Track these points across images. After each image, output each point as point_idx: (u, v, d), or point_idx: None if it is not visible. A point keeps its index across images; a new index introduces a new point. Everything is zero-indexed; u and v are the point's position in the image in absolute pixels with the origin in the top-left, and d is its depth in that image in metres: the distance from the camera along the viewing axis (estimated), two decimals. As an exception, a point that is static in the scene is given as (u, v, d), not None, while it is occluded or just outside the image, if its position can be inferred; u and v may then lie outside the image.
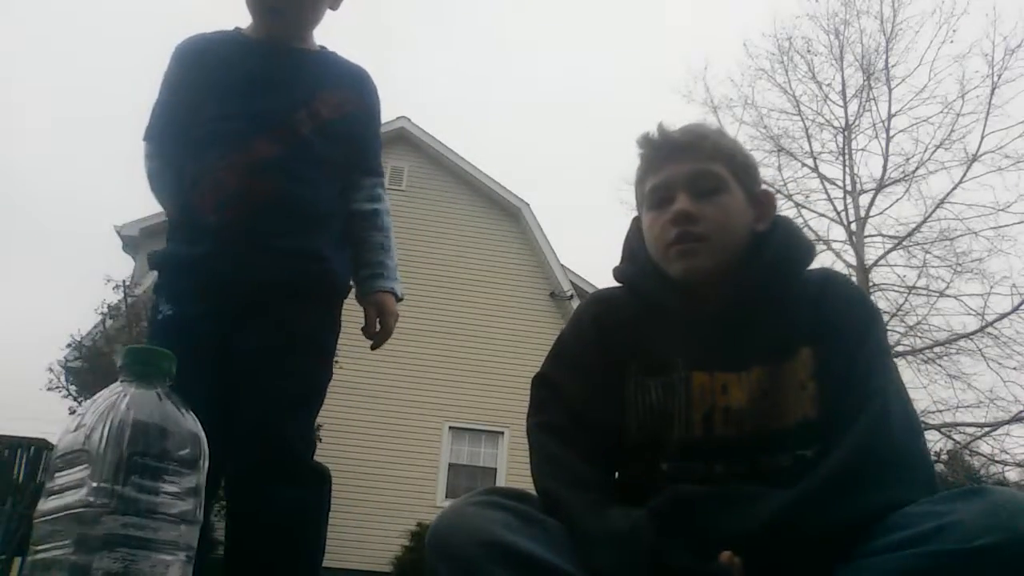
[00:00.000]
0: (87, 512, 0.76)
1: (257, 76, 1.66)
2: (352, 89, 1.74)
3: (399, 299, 1.74)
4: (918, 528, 0.93)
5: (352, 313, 1.76)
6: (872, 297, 12.26)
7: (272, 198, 1.57)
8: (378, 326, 1.70)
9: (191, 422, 0.84)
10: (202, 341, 1.52)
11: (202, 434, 0.84)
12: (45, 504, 0.80)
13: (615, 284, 1.33)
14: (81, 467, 0.78)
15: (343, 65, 1.78)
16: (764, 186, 1.31)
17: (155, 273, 1.67)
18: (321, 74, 1.72)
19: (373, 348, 1.73)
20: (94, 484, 0.76)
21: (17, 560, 8.13)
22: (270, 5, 1.66)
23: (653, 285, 1.25)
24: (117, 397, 0.81)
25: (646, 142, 1.27)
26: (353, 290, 1.75)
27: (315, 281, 1.62)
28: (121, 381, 0.84)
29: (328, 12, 1.75)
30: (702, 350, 1.19)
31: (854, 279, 12.42)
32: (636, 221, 1.33)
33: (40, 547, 0.79)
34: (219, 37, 1.73)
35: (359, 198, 1.74)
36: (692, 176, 1.21)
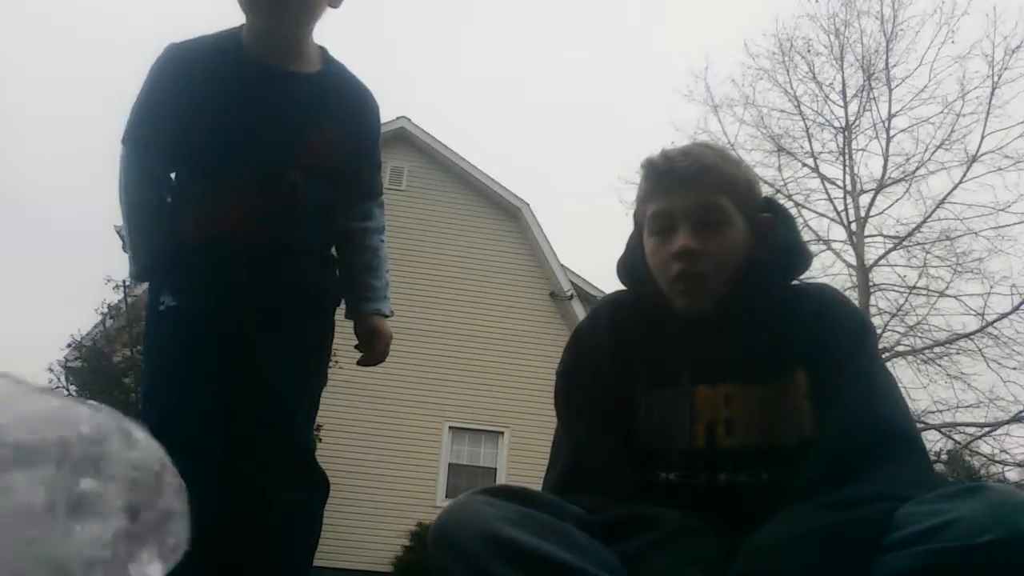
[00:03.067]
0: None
1: (250, 112, 1.58)
2: (349, 120, 1.67)
3: (387, 316, 1.74)
4: (918, 526, 0.93)
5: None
6: (872, 300, 12.30)
7: (267, 245, 1.57)
8: (367, 348, 1.72)
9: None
10: (208, 338, 1.50)
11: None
12: None
13: (621, 287, 1.36)
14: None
15: (342, 89, 1.68)
16: (763, 213, 1.30)
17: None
18: (318, 108, 1.62)
19: (360, 364, 1.73)
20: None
21: (17, 560, 8.13)
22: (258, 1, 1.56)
23: (657, 300, 1.27)
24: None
25: (650, 168, 1.27)
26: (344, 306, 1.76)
27: (325, 288, 1.66)
28: None
29: (328, 10, 1.68)
30: (705, 361, 1.21)
31: (854, 279, 12.48)
32: (637, 233, 1.33)
33: None
34: (214, 47, 1.61)
35: (350, 216, 1.72)
36: (695, 209, 1.22)
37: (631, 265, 1.33)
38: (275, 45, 1.61)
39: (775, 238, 1.27)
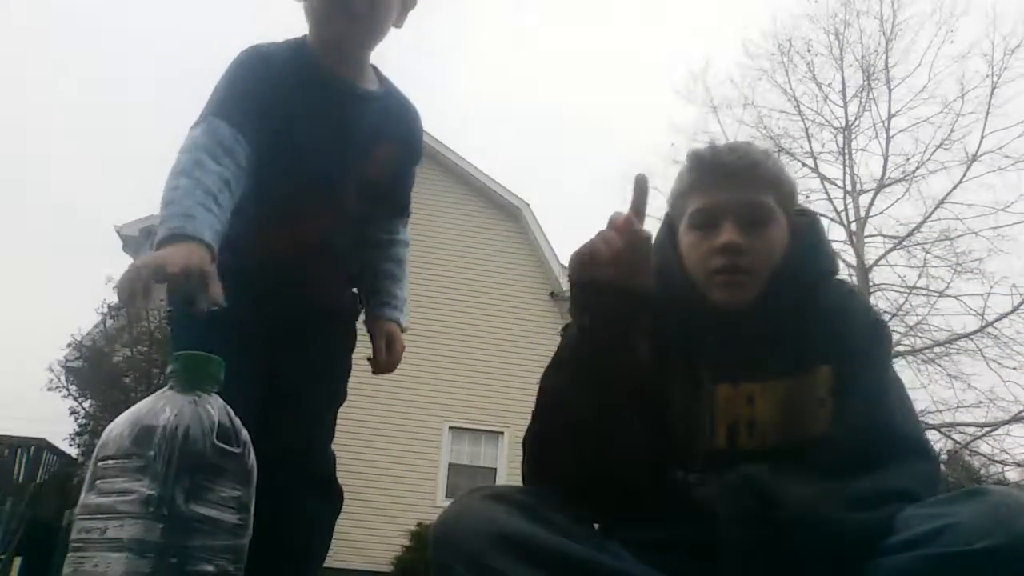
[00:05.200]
0: (144, 519, 0.77)
1: (324, 126, 1.56)
2: (402, 139, 1.69)
3: (403, 330, 1.75)
4: (917, 530, 0.93)
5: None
6: (872, 300, 12.30)
7: (315, 263, 1.58)
8: (385, 353, 1.71)
9: (244, 434, 0.86)
10: (242, 342, 1.46)
11: (251, 446, 0.86)
12: (90, 500, 0.82)
13: None
14: (135, 473, 0.80)
15: (401, 111, 1.70)
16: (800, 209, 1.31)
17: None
18: (378, 127, 1.63)
19: (375, 373, 1.72)
20: (150, 492, 0.78)
21: (17, 560, 8.13)
22: (349, 9, 1.52)
23: (685, 299, 1.24)
24: (174, 404, 0.84)
25: (697, 161, 1.25)
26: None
27: (351, 306, 1.69)
28: (171, 388, 0.86)
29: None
30: (728, 361, 1.19)
31: (854, 279, 12.48)
32: (667, 228, 1.31)
33: (81, 543, 0.80)
34: (289, 54, 1.58)
35: (378, 229, 1.74)
36: (742, 206, 1.20)
37: (661, 259, 1.24)
38: (343, 60, 1.60)
39: (808, 241, 1.26)
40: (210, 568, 0.79)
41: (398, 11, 1.61)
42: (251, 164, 1.45)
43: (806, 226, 1.28)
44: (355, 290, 1.73)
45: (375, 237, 1.73)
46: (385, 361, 1.70)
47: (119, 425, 0.84)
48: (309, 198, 1.56)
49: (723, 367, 1.18)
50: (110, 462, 0.82)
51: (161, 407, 0.83)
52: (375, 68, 1.69)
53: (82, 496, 0.83)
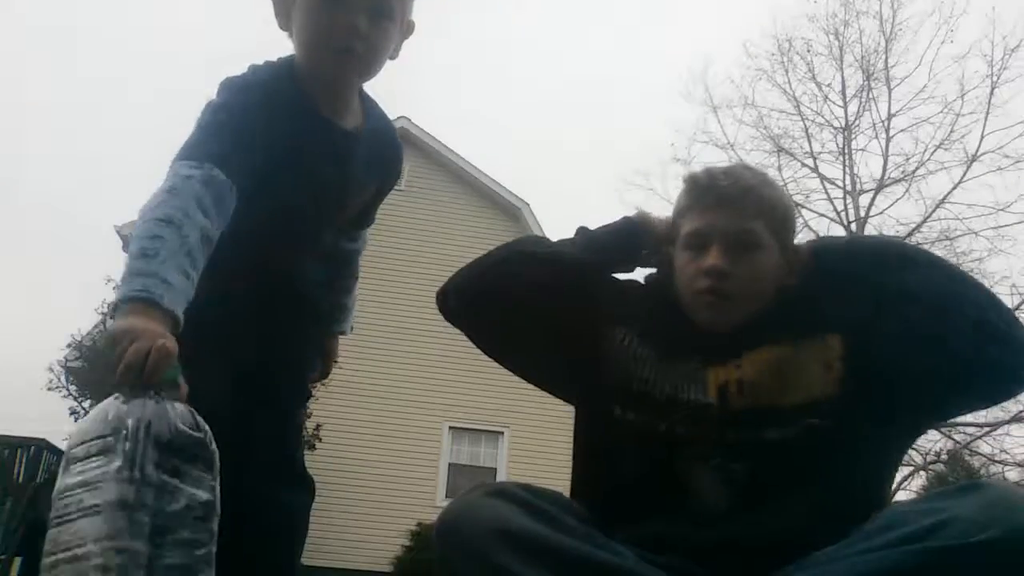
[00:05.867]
0: (117, 482, 0.86)
1: (307, 170, 1.47)
2: (387, 176, 1.67)
3: (344, 334, 1.80)
4: (915, 525, 0.93)
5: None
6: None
7: (297, 305, 1.58)
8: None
9: (204, 425, 0.95)
10: (226, 341, 1.48)
11: (211, 435, 0.93)
12: (66, 481, 0.90)
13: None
14: (107, 453, 0.89)
15: (383, 145, 1.62)
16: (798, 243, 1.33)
17: None
18: (366, 172, 1.58)
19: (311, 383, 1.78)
20: (119, 463, 0.87)
21: (17, 560, 8.13)
22: (342, 45, 1.40)
23: (672, 317, 1.29)
24: (137, 398, 0.95)
25: (693, 184, 1.31)
26: None
27: (324, 311, 1.69)
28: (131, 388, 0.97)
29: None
30: (718, 350, 1.23)
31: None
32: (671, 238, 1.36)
33: (60, 518, 0.87)
34: (270, 86, 1.45)
35: (341, 241, 1.70)
36: (730, 232, 1.24)
37: (658, 274, 1.38)
38: (331, 96, 1.50)
39: (806, 269, 1.28)
40: (185, 534, 0.86)
41: (396, 43, 1.49)
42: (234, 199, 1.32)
43: (805, 255, 1.30)
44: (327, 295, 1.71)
45: (339, 247, 1.70)
46: (320, 373, 1.75)
47: (87, 419, 0.94)
48: (283, 241, 1.51)
49: (712, 354, 1.23)
50: (82, 447, 0.90)
51: (125, 400, 0.94)
52: (361, 90, 1.59)
53: (58, 482, 0.90)
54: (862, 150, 13.48)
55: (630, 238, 1.38)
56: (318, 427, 10.07)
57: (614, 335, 1.30)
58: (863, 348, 1.18)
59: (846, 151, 13.29)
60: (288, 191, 1.46)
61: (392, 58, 1.52)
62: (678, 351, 1.25)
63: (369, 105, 1.60)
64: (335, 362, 1.79)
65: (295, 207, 1.49)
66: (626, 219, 1.40)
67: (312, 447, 9.59)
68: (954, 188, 12.54)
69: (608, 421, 1.25)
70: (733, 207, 1.25)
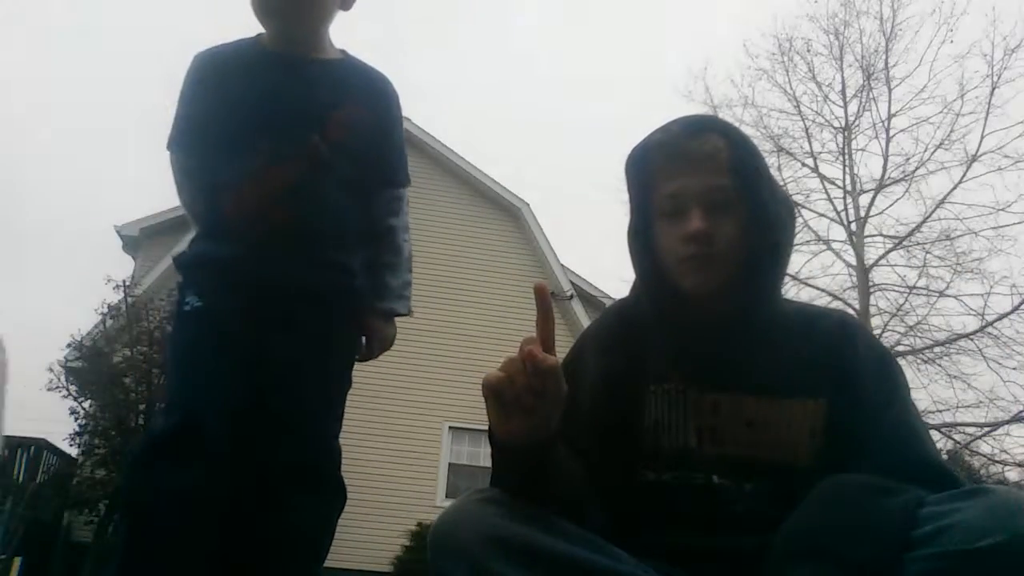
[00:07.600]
0: None
1: (272, 94, 1.63)
2: (369, 103, 1.70)
3: (400, 314, 1.75)
4: (918, 530, 0.92)
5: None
6: (871, 300, 12.30)
7: (292, 225, 1.57)
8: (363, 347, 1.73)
9: None
10: (231, 337, 1.52)
11: None
12: None
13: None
14: None
15: (361, 76, 1.73)
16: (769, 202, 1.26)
17: (177, 273, 1.66)
18: (337, 89, 1.67)
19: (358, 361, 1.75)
20: None
21: (17, 560, 8.13)
22: (269, 7, 1.62)
23: (656, 294, 1.25)
24: None
25: (657, 146, 1.24)
26: None
27: (342, 293, 1.63)
28: None
29: (339, 12, 1.72)
30: (699, 366, 1.20)
31: (854, 279, 12.48)
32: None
33: None
34: (235, 49, 1.69)
35: (378, 214, 1.72)
36: (707, 191, 1.19)
37: (638, 244, 1.27)
38: (292, 41, 1.68)
39: (771, 228, 1.22)
40: None
41: None
42: (205, 171, 1.64)
43: (772, 213, 1.23)
44: (351, 272, 1.66)
45: (377, 223, 1.72)
46: (363, 354, 1.73)
47: None
48: (273, 155, 1.57)
49: (693, 372, 1.20)
50: None
51: None
52: (343, 51, 1.74)
53: None
54: (862, 150, 13.49)
55: (505, 455, 1.11)
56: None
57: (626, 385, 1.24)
58: (844, 419, 1.15)
59: (846, 151, 13.30)
60: (259, 118, 1.61)
61: (345, 8, 1.71)
62: (663, 367, 1.22)
63: (349, 55, 1.75)
64: (379, 342, 1.73)
65: (269, 127, 1.60)
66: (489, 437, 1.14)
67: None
68: (954, 188, 12.54)
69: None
70: (705, 165, 1.19)
